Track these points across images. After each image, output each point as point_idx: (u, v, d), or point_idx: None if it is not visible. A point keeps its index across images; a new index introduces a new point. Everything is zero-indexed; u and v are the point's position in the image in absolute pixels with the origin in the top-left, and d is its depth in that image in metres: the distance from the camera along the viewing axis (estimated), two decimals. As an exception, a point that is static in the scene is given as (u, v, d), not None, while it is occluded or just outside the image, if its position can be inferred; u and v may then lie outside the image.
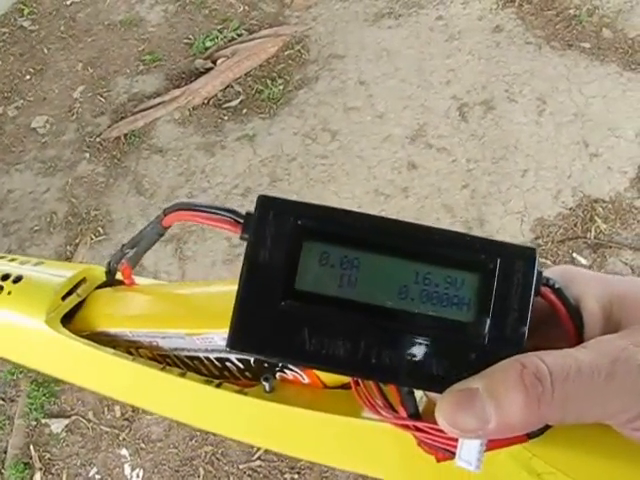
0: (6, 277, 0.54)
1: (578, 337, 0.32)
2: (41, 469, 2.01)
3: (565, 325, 0.32)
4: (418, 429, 0.34)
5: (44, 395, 2.11)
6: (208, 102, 2.81)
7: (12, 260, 0.58)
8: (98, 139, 2.80)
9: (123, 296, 0.54)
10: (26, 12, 3.37)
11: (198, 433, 1.99)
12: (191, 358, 0.49)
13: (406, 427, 0.34)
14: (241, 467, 1.93)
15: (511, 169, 2.38)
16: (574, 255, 2.18)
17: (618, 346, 0.30)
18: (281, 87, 2.78)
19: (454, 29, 2.80)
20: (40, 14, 3.37)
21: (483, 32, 2.77)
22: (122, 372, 0.50)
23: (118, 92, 2.96)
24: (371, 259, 0.32)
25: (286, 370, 0.44)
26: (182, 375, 0.46)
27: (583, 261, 2.16)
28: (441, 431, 0.32)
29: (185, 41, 3.08)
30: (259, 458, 1.94)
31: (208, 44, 3.01)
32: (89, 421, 2.07)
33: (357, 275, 0.32)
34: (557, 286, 0.33)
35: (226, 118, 2.74)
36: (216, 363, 0.48)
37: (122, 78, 3.01)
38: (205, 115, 2.78)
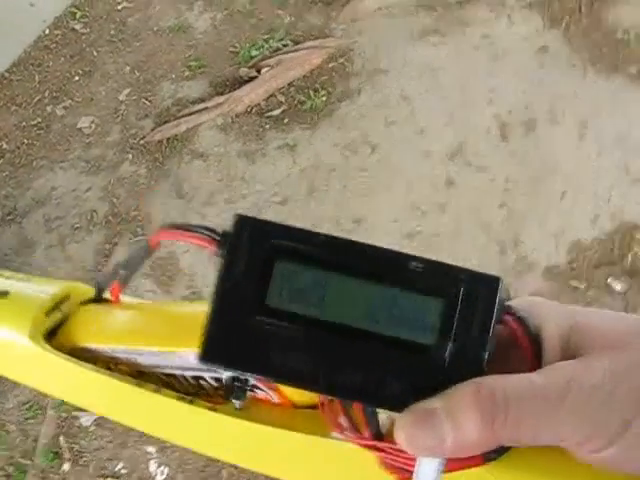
0: None
1: (537, 363, 0.33)
2: (70, 460, 2.05)
3: (525, 352, 0.34)
4: (380, 449, 0.35)
5: (76, 389, 2.15)
6: (251, 110, 2.85)
7: None
8: (141, 141, 2.85)
9: (105, 313, 0.55)
10: (78, 15, 3.44)
11: (224, 435, 2.01)
12: (168, 375, 0.50)
13: (368, 447, 0.35)
14: (265, 472, 1.95)
15: (549, 191, 2.37)
16: (609, 281, 2.16)
17: (571, 370, 0.31)
18: (323, 98, 2.81)
19: (499, 48, 2.80)
20: (92, 18, 3.44)
21: (528, 52, 2.77)
22: (100, 387, 0.51)
23: (163, 96, 3.02)
24: (340, 281, 0.34)
25: (257, 389, 0.45)
26: (156, 391, 0.48)
27: (618, 287, 2.14)
28: (402, 451, 0.33)
29: (231, 49, 3.12)
30: (283, 464, 1.94)
31: (253, 53, 3.05)
32: (118, 417, 2.10)
33: (325, 295, 0.33)
34: (519, 314, 0.34)
35: (268, 127, 2.78)
36: (191, 381, 0.49)
37: (167, 83, 3.06)
38: (247, 123, 2.81)
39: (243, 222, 0.34)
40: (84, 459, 2.05)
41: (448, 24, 2.94)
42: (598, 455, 0.31)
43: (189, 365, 0.47)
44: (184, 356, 0.46)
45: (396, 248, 0.34)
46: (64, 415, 2.12)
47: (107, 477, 2.02)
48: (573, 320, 0.34)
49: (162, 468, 2.01)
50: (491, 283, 0.33)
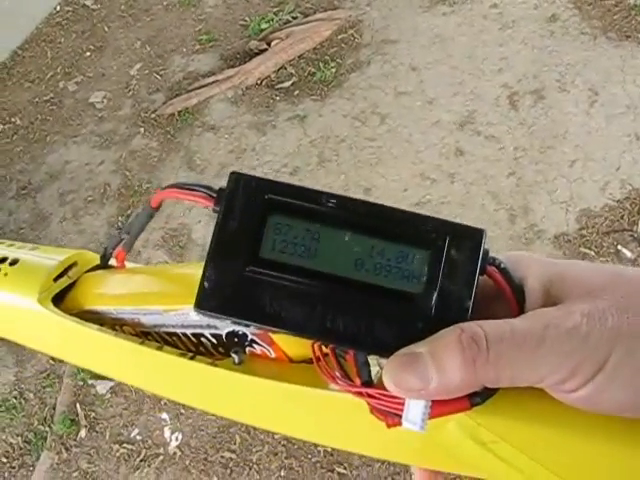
0: (3, 260, 0.57)
1: (520, 313, 0.35)
2: (86, 426, 2.09)
3: (509, 302, 0.35)
4: (370, 396, 0.36)
5: (92, 357, 2.20)
6: (261, 82, 2.86)
7: (10, 245, 0.61)
8: (153, 115, 2.87)
9: (110, 277, 0.57)
10: (89, -10, 3.46)
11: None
12: (170, 334, 0.51)
13: (360, 394, 0.37)
14: (276, 437, 1.98)
15: (559, 159, 2.37)
16: (619, 247, 2.16)
17: (551, 314, 0.33)
18: (333, 70, 2.81)
19: (508, 17, 2.79)
20: (102, -7, 3.45)
21: (538, 21, 2.75)
22: (105, 347, 0.53)
23: (174, 70, 3.03)
24: (331, 233, 0.35)
25: (255, 345, 0.47)
26: (159, 348, 0.49)
27: (628, 254, 2.15)
28: (391, 397, 0.35)
29: (241, 22, 3.13)
30: (295, 430, 1.98)
31: (263, 26, 3.06)
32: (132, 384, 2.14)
33: (317, 246, 0.35)
34: (503, 266, 0.35)
35: (278, 99, 2.79)
36: (192, 339, 0.50)
37: (178, 57, 3.08)
38: (258, 95, 2.82)
39: (238, 179, 0.36)
40: (100, 426, 2.10)
41: (457, -7, 2.93)
42: (575, 395, 0.33)
43: (189, 323, 0.49)
44: (184, 314, 0.48)
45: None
46: (80, 383, 2.17)
47: (123, 443, 2.06)
48: (553, 271, 0.35)
49: (176, 434, 2.05)
50: (476, 235, 0.35)
